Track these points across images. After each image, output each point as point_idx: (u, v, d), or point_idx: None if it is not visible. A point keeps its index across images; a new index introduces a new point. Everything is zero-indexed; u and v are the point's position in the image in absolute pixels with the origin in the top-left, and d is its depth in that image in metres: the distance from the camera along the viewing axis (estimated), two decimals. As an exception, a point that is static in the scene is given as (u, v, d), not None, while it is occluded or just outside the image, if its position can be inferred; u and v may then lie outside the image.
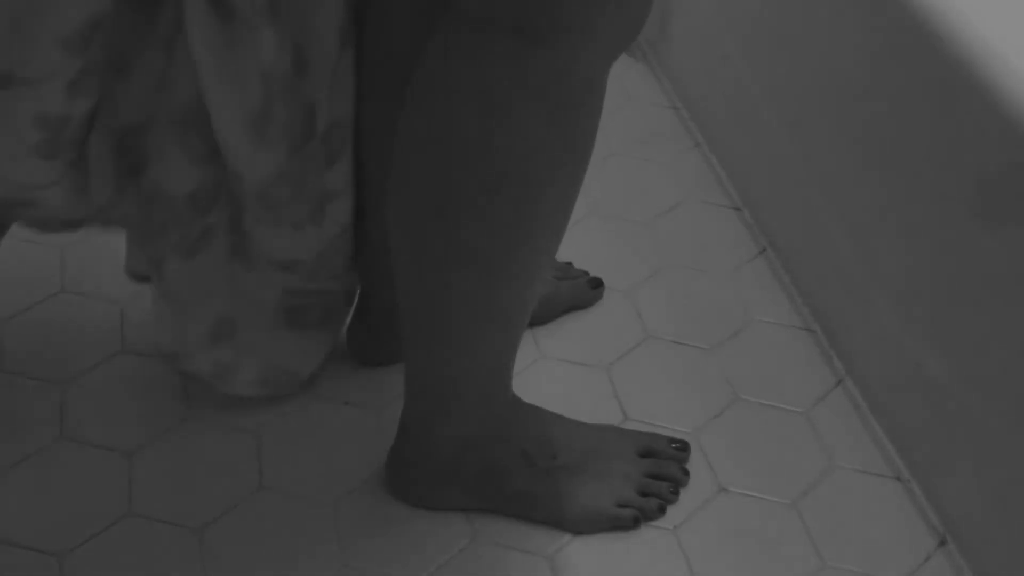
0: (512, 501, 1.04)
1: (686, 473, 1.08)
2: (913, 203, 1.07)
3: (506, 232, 0.87)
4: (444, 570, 1.02)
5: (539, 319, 1.21)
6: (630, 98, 1.50)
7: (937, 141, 1.02)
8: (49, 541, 1.03)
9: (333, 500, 1.07)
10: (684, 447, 1.10)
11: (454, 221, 0.86)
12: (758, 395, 1.17)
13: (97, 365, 1.16)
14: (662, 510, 1.06)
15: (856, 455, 1.12)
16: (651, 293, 1.26)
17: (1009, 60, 0.94)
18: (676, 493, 1.07)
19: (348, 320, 1.15)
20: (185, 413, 1.13)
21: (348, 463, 1.09)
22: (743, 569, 1.04)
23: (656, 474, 1.07)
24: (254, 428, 1.12)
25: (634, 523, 1.05)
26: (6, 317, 1.21)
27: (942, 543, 1.06)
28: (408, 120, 0.86)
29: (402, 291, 0.93)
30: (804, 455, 1.12)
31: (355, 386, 1.16)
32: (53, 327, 1.20)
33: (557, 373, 1.18)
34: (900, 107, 1.07)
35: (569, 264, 1.25)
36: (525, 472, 1.03)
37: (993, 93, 0.94)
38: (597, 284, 1.24)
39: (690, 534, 1.06)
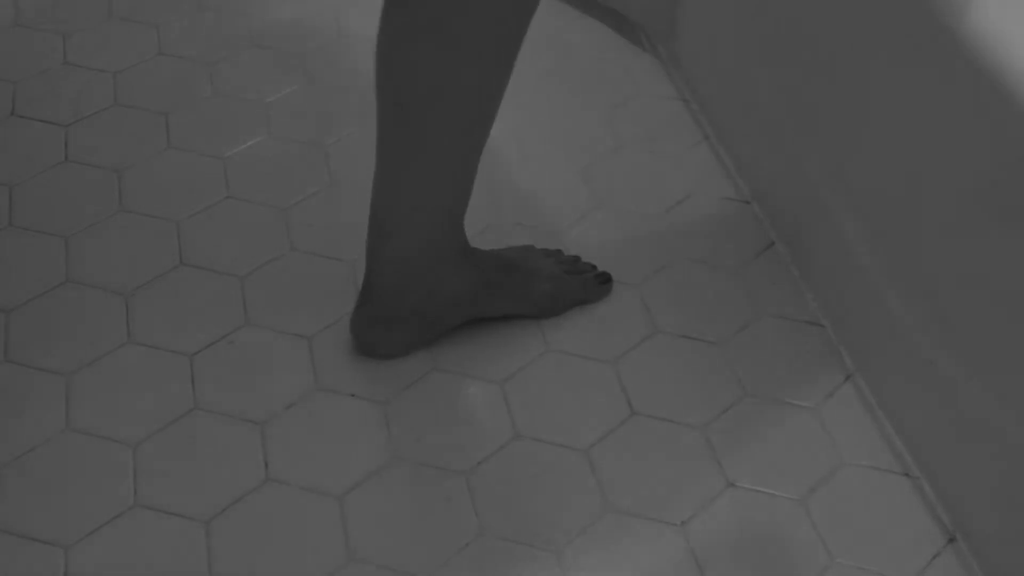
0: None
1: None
2: (925, 197, 1.06)
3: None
4: (451, 563, 1.02)
5: (547, 313, 1.20)
6: (639, 91, 1.49)
7: (952, 136, 1.01)
8: (55, 532, 1.03)
9: (339, 492, 1.06)
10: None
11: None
12: (767, 390, 1.16)
13: (103, 356, 1.16)
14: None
15: (865, 451, 1.12)
16: (659, 287, 1.26)
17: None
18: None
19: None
20: (191, 404, 1.12)
21: (354, 455, 1.09)
22: (751, 565, 1.03)
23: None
24: (260, 420, 1.11)
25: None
26: (11, 307, 1.20)
27: (951, 540, 1.05)
28: None
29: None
30: (813, 451, 1.12)
31: (361, 378, 1.15)
32: (58, 317, 1.20)
33: (564, 366, 1.17)
34: (914, 100, 1.06)
35: (577, 258, 1.25)
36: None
37: (1010, 88, 0.93)
38: (606, 279, 1.24)
39: (698, 529, 1.05)
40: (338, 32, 1.56)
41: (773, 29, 1.30)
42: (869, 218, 1.15)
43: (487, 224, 1.27)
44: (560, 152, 1.41)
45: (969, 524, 1.05)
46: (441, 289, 1.13)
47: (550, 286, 1.20)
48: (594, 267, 1.25)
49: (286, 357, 1.17)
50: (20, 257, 1.26)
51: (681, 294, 1.25)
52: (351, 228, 1.29)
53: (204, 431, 1.11)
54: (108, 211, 1.31)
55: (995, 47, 0.95)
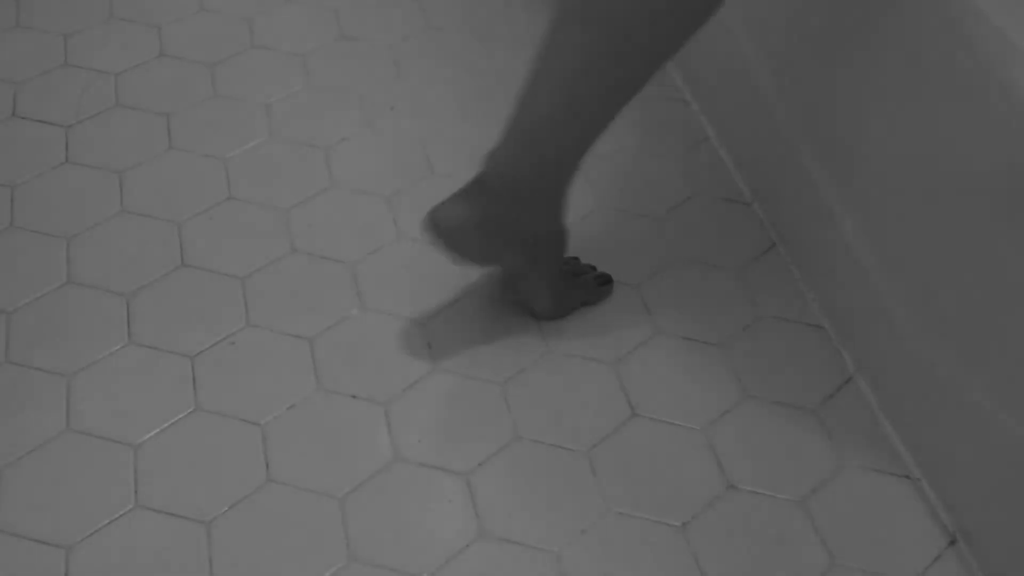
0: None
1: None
2: (925, 197, 1.06)
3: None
4: (451, 564, 1.02)
5: (548, 315, 1.20)
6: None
7: (952, 136, 1.01)
8: (56, 534, 1.03)
9: (340, 493, 1.06)
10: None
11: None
12: (767, 392, 1.16)
13: (104, 357, 1.16)
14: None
15: (866, 453, 1.12)
16: (660, 288, 1.26)
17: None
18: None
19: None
20: (192, 405, 1.13)
21: (355, 456, 1.09)
22: (751, 567, 1.03)
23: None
24: (261, 421, 1.12)
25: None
26: (13, 308, 1.21)
27: (952, 542, 1.05)
28: None
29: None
30: (813, 452, 1.12)
31: (362, 379, 1.15)
32: (60, 318, 1.20)
33: (564, 367, 1.18)
34: (915, 100, 1.06)
35: (576, 259, 1.25)
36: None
37: (1011, 88, 0.93)
38: (606, 281, 1.24)
39: (698, 531, 1.05)
40: (338, 32, 1.56)
41: (773, 29, 1.30)
42: (869, 218, 1.15)
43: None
44: (561, 153, 1.41)
45: (970, 526, 1.05)
46: (537, 220, 1.13)
47: (551, 288, 1.20)
48: (594, 268, 1.25)
49: (287, 358, 1.17)
50: (21, 258, 1.26)
51: (682, 295, 1.25)
52: (352, 229, 1.29)
53: (205, 432, 1.11)
54: (109, 212, 1.31)
55: (996, 46, 0.95)
